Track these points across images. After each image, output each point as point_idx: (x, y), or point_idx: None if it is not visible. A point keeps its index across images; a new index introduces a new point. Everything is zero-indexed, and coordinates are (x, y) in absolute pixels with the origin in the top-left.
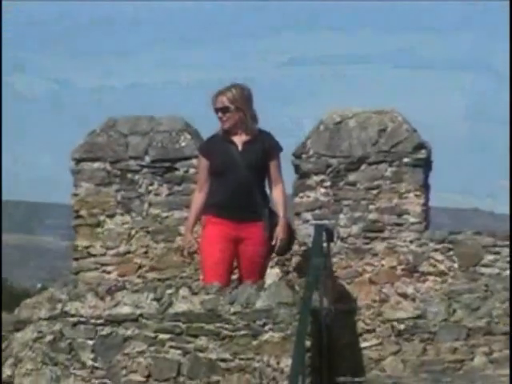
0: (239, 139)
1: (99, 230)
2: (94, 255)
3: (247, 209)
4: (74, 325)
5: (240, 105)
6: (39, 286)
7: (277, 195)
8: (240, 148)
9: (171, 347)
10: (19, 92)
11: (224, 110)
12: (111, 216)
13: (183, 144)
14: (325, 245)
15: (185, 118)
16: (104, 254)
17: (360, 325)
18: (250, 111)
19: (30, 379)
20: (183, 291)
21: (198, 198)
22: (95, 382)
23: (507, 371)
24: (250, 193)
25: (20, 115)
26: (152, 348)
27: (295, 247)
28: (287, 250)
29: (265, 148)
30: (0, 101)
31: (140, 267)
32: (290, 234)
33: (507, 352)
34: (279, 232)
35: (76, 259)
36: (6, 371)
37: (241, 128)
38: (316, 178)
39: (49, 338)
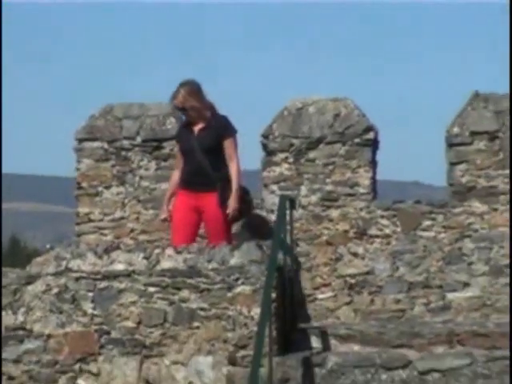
0: (196, 127)
1: (98, 199)
2: (93, 220)
3: (203, 183)
4: (77, 279)
5: (191, 102)
6: (48, 246)
7: (231, 171)
8: (196, 134)
9: (158, 298)
10: None
11: (181, 109)
12: (108, 187)
13: (169, 127)
14: (288, 212)
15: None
16: (102, 220)
17: (318, 279)
18: (201, 103)
19: (40, 325)
20: (168, 251)
21: (174, 175)
22: (94, 327)
23: (441, 318)
24: (204, 169)
25: None
26: (142, 299)
27: (262, 213)
28: (240, 217)
29: (218, 132)
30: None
31: (132, 231)
32: (244, 204)
33: (441, 303)
34: (231, 202)
35: (78, 224)
36: (20, 318)
37: (198, 118)
38: (281, 156)
39: (55, 290)
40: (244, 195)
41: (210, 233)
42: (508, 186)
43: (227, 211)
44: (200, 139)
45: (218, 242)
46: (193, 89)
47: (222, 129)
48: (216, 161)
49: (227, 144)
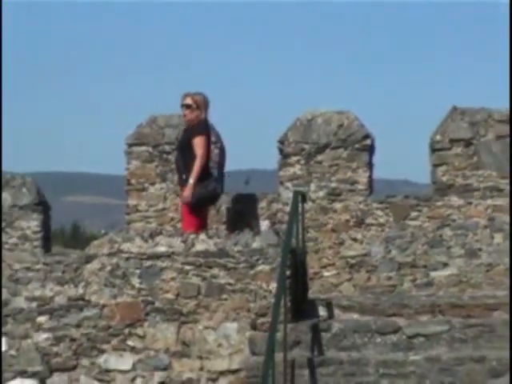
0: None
1: (144, 193)
2: (140, 211)
3: (179, 176)
4: (126, 259)
5: (198, 106)
6: (103, 232)
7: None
8: (180, 136)
9: (193, 275)
10: None
11: (187, 106)
12: (152, 183)
13: None
14: (300, 205)
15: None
16: (147, 210)
17: (324, 260)
18: (201, 110)
19: (96, 296)
20: (202, 236)
21: None
22: (141, 298)
23: (425, 292)
24: (179, 166)
25: None
26: (180, 275)
27: (279, 206)
28: (195, 204)
29: (189, 133)
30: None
31: (172, 219)
32: (204, 192)
33: (426, 279)
34: (184, 192)
35: (128, 214)
36: (80, 290)
37: (192, 123)
38: (294, 158)
39: (108, 268)
40: (210, 187)
41: (183, 218)
42: (481, 185)
43: (181, 200)
44: (180, 140)
45: (184, 226)
46: (204, 98)
47: (194, 128)
48: (186, 158)
49: (194, 144)
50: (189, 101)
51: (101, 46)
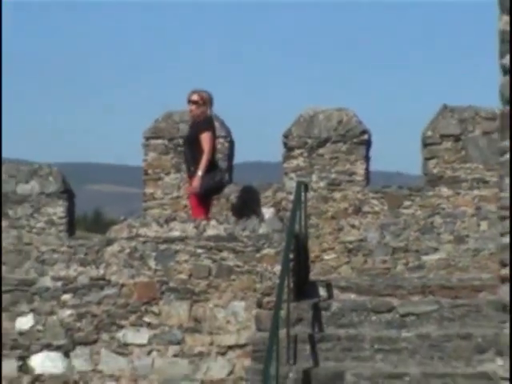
0: (190, 126)
1: (160, 182)
2: (156, 199)
3: (187, 168)
4: (144, 242)
5: (204, 102)
6: (122, 217)
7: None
8: (188, 131)
9: (205, 257)
10: None
11: (194, 102)
12: (168, 174)
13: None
14: (303, 194)
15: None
16: (163, 198)
17: (324, 245)
18: (206, 107)
19: (116, 276)
20: (213, 222)
21: None
22: (156, 278)
23: (417, 275)
24: (186, 159)
25: None
26: (192, 258)
27: (283, 194)
28: (204, 194)
29: (196, 129)
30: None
31: (185, 206)
32: (211, 182)
33: (417, 263)
34: (193, 182)
35: (145, 201)
36: (101, 271)
37: (198, 118)
38: (297, 151)
39: (127, 250)
40: (217, 178)
41: (192, 205)
42: (469, 176)
43: (190, 189)
44: (188, 134)
45: (193, 214)
46: (209, 95)
47: (199, 126)
48: (194, 151)
49: (201, 138)
50: (195, 97)
51: (118, 48)
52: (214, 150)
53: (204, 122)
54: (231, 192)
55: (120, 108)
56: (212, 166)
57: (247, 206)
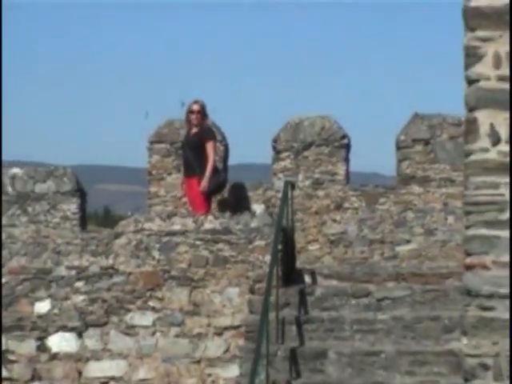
0: (192, 132)
1: (162, 182)
2: (160, 196)
3: (189, 170)
4: (148, 235)
5: (203, 110)
6: (129, 213)
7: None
8: (189, 138)
9: (203, 248)
10: None
11: (196, 112)
12: (169, 174)
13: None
14: (290, 192)
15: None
16: (165, 196)
17: (309, 237)
18: (207, 119)
19: (123, 266)
20: (210, 217)
21: None
22: (160, 267)
23: (391, 264)
24: (190, 161)
25: None
26: (192, 249)
27: (273, 193)
28: (213, 193)
29: (201, 137)
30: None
31: (185, 203)
32: (216, 184)
33: (392, 253)
34: (202, 182)
35: (149, 199)
36: (110, 261)
37: (197, 126)
38: (285, 154)
39: (134, 242)
40: (221, 178)
41: (194, 202)
42: (437, 176)
43: (200, 188)
44: (190, 141)
45: (198, 209)
46: (204, 106)
47: (204, 135)
48: (198, 156)
49: (207, 146)
50: (197, 107)
51: (122, 59)
52: (215, 155)
53: (208, 130)
54: (226, 191)
55: (127, 116)
56: (215, 168)
57: (240, 202)
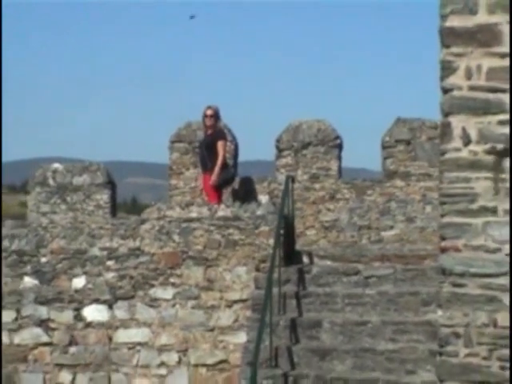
0: (206, 134)
1: (181, 176)
2: (179, 188)
3: (203, 166)
4: (169, 222)
5: (214, 114)
6: (152, 203)
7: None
8: (204, 138)
9: (216, 233)
10: None
11: (209, 116)
12: (187, 169)
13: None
14: (290, 185)
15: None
16: (184, 188)
17: (307, 223)
18: (219, 121)
19: (148, 247)
20: (222, 206)
21: None
22: (179, 249)
23: (377, 246)
24: (204, 159)
25: None
26: (206, 233)
27: (276, 185)
28: (223, 187)
29: (213, 137)
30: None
31: (201, 194)
32: (226, 177)
33: (378, 237)
34: (212, 177)
35: (170, 190)
36: (137, 243)
37: (211, 128)
38: (286, 152)
39: (157, 227)
40: (229, 174)
41: (207, 194)
42: (417, 171)
43: (210, 182)
44: (205, 141)
45: (211, 200)
46: (218, 110)
47: (216, 136)
48: (211, 154)
49: (218, 145)
50: (210, 111)
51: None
52: (225, 153)
53: (219, 132)
54: (235, 183)
55: (153, 119)
56: (225, 165)
57: (248, 194)
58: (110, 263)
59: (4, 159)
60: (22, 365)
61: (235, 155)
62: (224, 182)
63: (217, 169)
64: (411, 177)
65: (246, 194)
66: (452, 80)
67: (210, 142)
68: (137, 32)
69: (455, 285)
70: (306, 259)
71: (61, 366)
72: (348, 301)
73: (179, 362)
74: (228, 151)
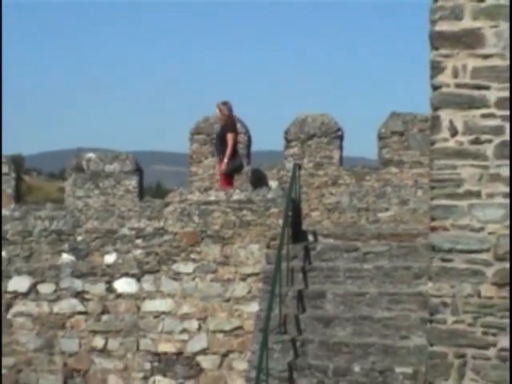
0: (221, 125)
1: (201, 164)
2: (198, 175)
3: (217, 155)
4: (190, 204)
5: (226, 110)
6: (175, 187)
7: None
8: (218, 131)
9: (231, 214)
10: None
11: (222, 110)
12: (206, 158)
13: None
14: (297, 172)
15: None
16: (203, 174)
17: (312, 205)
18: (230, 113)
19: (171, 227)
20: (237, 191)
21: None
22: (198, 228)
23: (374, 226)
24: (217, 149)
25: None
26: (223, 215)
27: (284, 172)
28: (233, 174)
29: (224, 129)
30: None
31: (217, 180)
32: (235, 167)
33: (375, 218)
34: (222, 165)
35: (191, 176)
36: (161, 224)
37: (223, 121)
38: (294, 143)
39: (179, 210)
40: (237, 163)
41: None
42: (410, 160)
43: (221, 170)
44: (218, 132)
45: (222, 185)
46: (230, 105)
47: (227, 126)
48: (222, 144)
49: (228, 137)
50: (222, 106)
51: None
52: (235, 143)
53: (229, 125)
54: (248, 171)
55: (176, 113)
56: (235, 154)
57: (260, 179)
58: (137, 241)
59: (44, 150)
60: (61, 331)
61: (248, 145)
62: (232, 171)
63: (226, 158)
64: (404, 164)
65: (258, 180)
66: (441, 78)
67: (221, 134)
68: (160, 34)
69: (443, 260)
70: (311, 237)
71: (94, 332)
72: (348, 274)
73: (199, 328)
74: (241, 142)
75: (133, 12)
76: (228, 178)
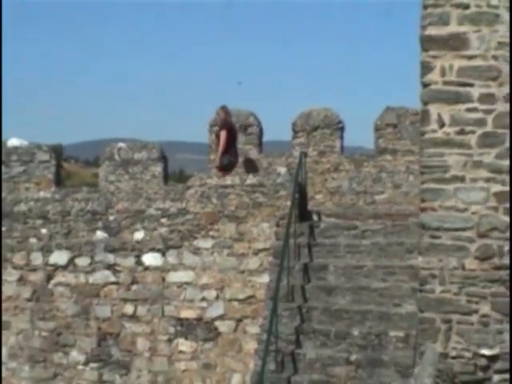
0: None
1: (217, 153)
2: (214, 161)
3: (216, 150)
4: (209, 188)
5: (224, 113)
6: (195, 173)
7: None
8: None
9: (245, 197)
10: None
11: (219, 113)
12: None
13: (250, 120)
14: (303, 159)
15: (251, 110)
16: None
17: (316, 189)
18: (227, 116)
19: (192, 207)
20: (250, 176)
21: None
22: (216, 208)
23: (371, 207)
24: (216, 145)
25: None
26: (238, 197)
27: (292, 159)
28: (224, 169)
29: (219, 128)
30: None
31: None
32: (222, 163)
33: (371, 200)
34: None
35: (209, 163)
36: (183, 205)
37: (221, 120)
38: (300, 133)
39: (199, 193)
40: (225, 161)
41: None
42: (402, 148)
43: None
44: (217, 130)
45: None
46: (227, 109)
47: (221, 128)
48: (233, 142)
49: (221, 136)
50: (219, 110)
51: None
52: (228, 142)
53: (223, 125)
54: (261, 158)
55: (198, 107)
56: (228, 151)
57: (270, 166)
58: (162, 220)
59: (80, 140)
60: (95, 299)
61: (260, 136)
62: (223, 167)
63: (218, 154)
64: (398, 153)
65: (268, 166)
66: (430, 77)
67: (217, 133)
68: (186, 30)
69: (432, 237)
70: (315, 217)
71: (125, 300)
72: (348, 249)
73: (217, 297)
74: (254, 133)
75: (159, 7)
76: (221, 170)
